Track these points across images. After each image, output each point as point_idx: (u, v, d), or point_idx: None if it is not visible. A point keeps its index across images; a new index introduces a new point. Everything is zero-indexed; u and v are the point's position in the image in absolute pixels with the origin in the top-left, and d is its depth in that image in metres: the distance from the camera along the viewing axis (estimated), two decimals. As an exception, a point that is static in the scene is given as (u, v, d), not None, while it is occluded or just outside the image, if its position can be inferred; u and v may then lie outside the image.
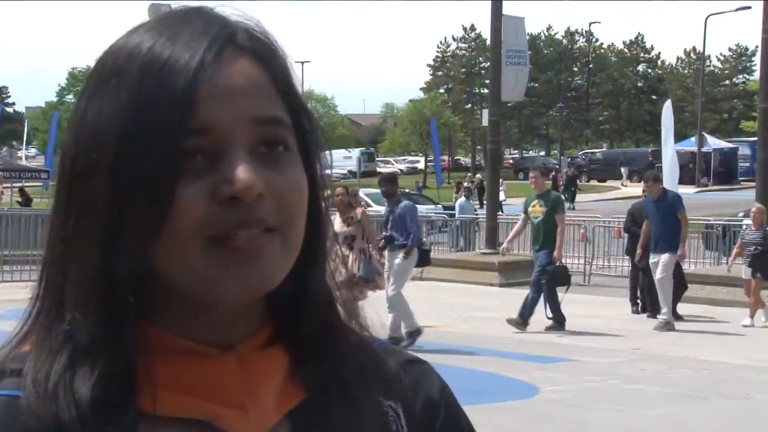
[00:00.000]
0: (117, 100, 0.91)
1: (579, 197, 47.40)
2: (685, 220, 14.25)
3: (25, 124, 53.68)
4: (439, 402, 1.08)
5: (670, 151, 19.36)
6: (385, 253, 12.30)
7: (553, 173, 47.41)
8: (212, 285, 0.91)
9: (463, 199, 28.31)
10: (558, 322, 13.47)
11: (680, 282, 14.90)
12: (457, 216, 25.92)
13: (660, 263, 13.95)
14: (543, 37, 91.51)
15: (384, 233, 12.46)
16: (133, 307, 0.92)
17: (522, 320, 13.37)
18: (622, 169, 60.43)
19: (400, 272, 12.20)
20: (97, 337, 0.91)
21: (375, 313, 1.09)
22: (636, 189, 41.60)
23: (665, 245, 13.90)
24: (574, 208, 40.44)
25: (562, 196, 18.04)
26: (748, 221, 17.43)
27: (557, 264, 13.41)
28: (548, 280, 13.28)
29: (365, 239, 12.03)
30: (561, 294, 13.45)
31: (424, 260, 13.15)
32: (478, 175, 48.32)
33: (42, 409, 0.90)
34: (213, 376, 0.95)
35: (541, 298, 13.42)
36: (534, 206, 13.69)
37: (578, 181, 51.63)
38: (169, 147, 0.89)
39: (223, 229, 0.90)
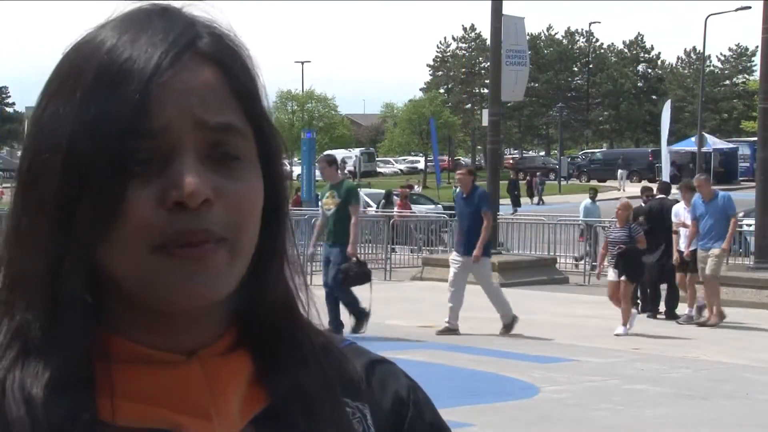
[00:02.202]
0: (72, 100, 0.91)
1: (578, 197, 47.28)
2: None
3: (26, 124, 53.80)
4: (407, 399, 1.07)
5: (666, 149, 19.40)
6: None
7: (528, 177, 46.54)
8: (158, 291, 0.91)
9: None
10: (359, 318, 12.08)
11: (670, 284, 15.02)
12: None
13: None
14: (543, 37, 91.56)
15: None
16: (87, 309, 0.91)
17: (360, 322, 12.01)
18: (619, 172, 59.92)
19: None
20: (47, 337, 0.90)
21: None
22: (635, 189, 41.54)
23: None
24: (519, 206, 40.16)
25: (357, 187, 15.89)
26: (749, 221, 17.43)
27: (353, 261, 12.14)
28: (343, 280, 11.94)
29: None
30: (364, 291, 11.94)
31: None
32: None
33: None
34: (176, 384, 0.94)
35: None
36: (327, 197, 12.44)
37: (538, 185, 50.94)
38: (119, 149, 0.88)
39: (168, 237, 0.89)
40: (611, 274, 13.72)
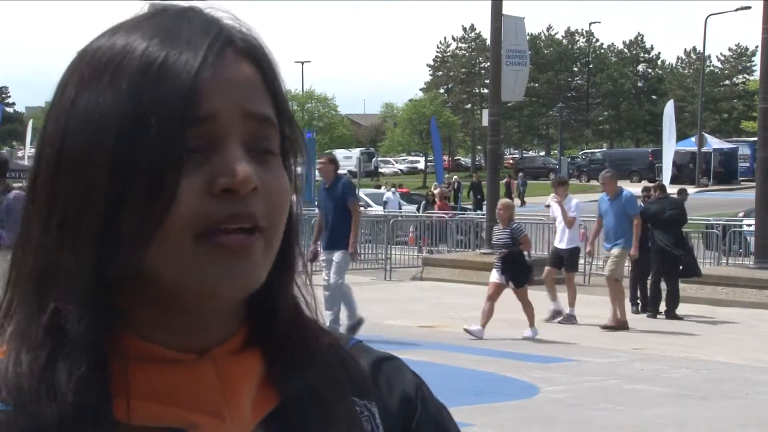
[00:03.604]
0: (116, 91, 0.90)
1: (579, 197, 47.27)
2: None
3: (30, 123, 53.65)
4: (415, 398, 1.08)
5: (670, 151, 19.41)
6: None
7: (507, 179, 45.60)
8: (203, 280, 0.90)
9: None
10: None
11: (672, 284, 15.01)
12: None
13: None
14: (543, 37, 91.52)
15: None
16: (109, 308, 0.91)
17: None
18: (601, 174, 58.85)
19: None
20: (81, 337, 0.89)
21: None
22: (636, 190, 41.48)
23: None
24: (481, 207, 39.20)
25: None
26: (749, 221, 17.42)
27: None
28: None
29: None
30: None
31: None
32: (455, 177, 47.92)
33: (25, 407, 0.88)
34: (189, 384, 0.94)
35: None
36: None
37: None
38: (173, 138, 0.89)
39: (215, 222, 0.90)
40: (494, 275, 12.91)
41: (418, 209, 31.90)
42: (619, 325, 13.77)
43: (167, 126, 0.89)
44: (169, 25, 0.93)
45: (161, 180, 0.88)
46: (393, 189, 36.48)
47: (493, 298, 12.70)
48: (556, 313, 14.19)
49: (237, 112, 0.92)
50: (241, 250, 0.91)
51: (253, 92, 0.94)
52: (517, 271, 12.62)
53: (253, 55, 0.96)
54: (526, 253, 13.03)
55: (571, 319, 14.21)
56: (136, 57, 0.91)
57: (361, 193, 36.72)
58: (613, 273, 14.02)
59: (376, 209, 31.37)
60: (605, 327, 13.77)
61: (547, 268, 14.48)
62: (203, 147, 0.90)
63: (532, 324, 12.78)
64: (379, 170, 71.30)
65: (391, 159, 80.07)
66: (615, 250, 14.04)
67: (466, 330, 12.61)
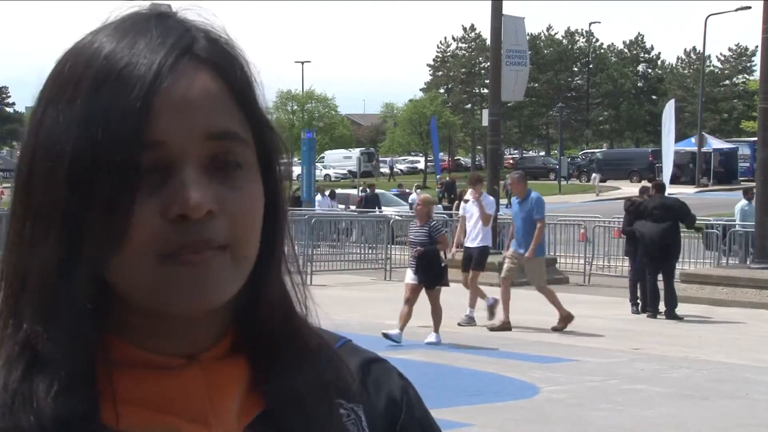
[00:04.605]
0: (72, 108, 0.90)
1: (579, 197, 47.38)
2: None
3: (25, 125, 53.84)
4: (401, 400, 1.08)
5: (670, 150, 19.38)
6: None
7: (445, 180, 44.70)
8: (162, 299, 0.91)
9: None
10: None
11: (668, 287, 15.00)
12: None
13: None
14: (543, 37, 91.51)
15: None
16: (91, 317, 0.91)
17: None
18: (594, 176, 57.40)
19: None
20: (56, 347, 0.89)
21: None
22: (636, 190, 41.48)
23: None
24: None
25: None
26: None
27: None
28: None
29: None
30: None
31: None
32: (447, 177, 47.65)
33: (3, 421, 0.89)
34: (177, 390, 0.94)
35: None
36: None
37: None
38: (124, 160, 0.88)
39: (173, 247, 0.89)
40: (409, 275, 12.30)
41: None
42: (565, 325, 13.39)
43: (119, 148, 0.88)
44: (131, 34, 0.92)
45: (115, 201, 0.88)
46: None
47: (410, 301, 12.10)
48: (484, 314, 13.70)
49: (192, 133, 0.90)
50: (201, 267, 0.90)
51: (212, 107, 0.91)
52: (431, 271, 11.96)
53: (216, 61, 0.93)
54: (443, 253, 12.35)
55: (470, 321, 13.64)
56: (91, 74, 0.90)
57: (361, 193, 36.98)
58: (537, 282, 13.60)
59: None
60: (493, 329, 13.27)
61: (462, 274, 13.89)
62: (158, 169, 0.89)
63: (436, 329, 12.12)
64: (380, 170, 71.32)
65: (390, 159, 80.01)
66: (528, 255, 13.44)
67: (384, 334, 11.78)
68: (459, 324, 13.55)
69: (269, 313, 0.99)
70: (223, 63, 0.94)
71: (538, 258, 13.73)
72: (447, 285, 12.23)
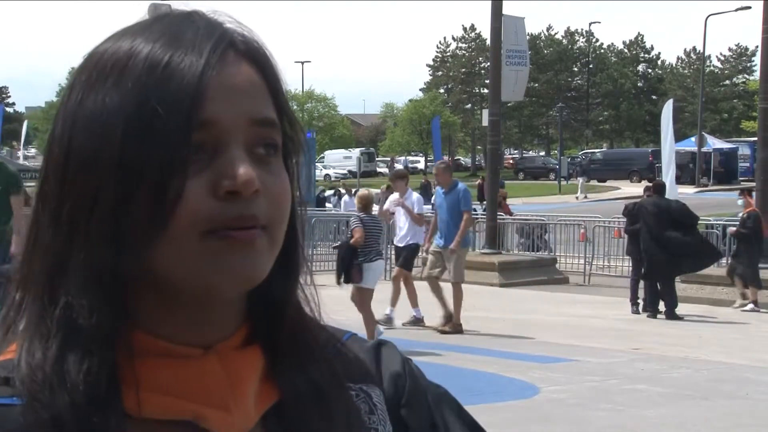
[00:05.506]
0: (122, 92, 0.92)
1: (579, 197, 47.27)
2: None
3: (24, 124, 53.76)
4: (403, 372, 1.12)
5: (669, 149, 19.37)
6: None
7: (480, 181, 44.30)
8: (207, 275, 0.92)
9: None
10: None
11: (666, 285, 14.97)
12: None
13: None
14: (543, 37, 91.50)
15: None
16: (120, 304, 0.93)
17: None
18: (579, 180, 55.40)
19: None
20: (93, 329, 0.91)
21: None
22: (636, 190, 41.59)
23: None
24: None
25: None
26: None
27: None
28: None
29: None
30: None
31: None
32: (423, 179, 47.51)
33: (39, 397, 0.90)
34: (196, 377, 0.96)
35: None
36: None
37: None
38: (179, 140, 0.90)
39: (219, 223, 0.92)
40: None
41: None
42: (454, 329, 12.91)
43: (173, 127, 0.90)
44: (173, 28, 0.95)
45: (167, 181, 0.90)
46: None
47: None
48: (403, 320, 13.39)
49: (240, 117, 0.94)
50: (246, 243, 0.93)
51: (256, 95, 0.96)
52: (344, 267, 11.58)
53: (255, 57, 0.98)
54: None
55: (389, 321, 13.18)
56: (141, 59, 0.93)
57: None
58: (457, 277, 12.89)
59: (374, 208, 31.51)
60: (443, 331, 12.89)
61: (396, 269, 13.59)
62: (207, 149, 0.92)
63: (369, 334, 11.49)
64: (377, 170, 71.31)
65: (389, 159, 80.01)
66: (447, 249, 12.91)
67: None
68: (403, 324, 13.22)
69: (287, 307, 1.02)
70: (259, 57, 0.99)
71: (463, 250, 13.19)
72: (357, 282, 11.58)
